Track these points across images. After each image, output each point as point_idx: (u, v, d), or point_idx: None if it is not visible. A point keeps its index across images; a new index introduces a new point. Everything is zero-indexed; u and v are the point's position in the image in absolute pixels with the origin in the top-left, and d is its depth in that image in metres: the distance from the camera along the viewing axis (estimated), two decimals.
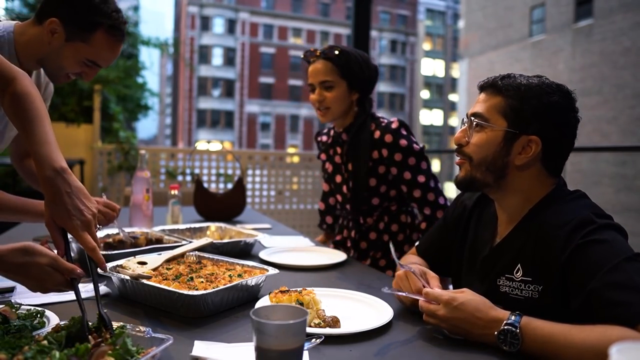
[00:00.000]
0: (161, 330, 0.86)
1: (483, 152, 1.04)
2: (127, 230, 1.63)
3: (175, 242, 1.55)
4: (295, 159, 6.02)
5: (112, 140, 5.40)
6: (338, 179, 1.81)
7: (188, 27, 37.92)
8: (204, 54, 38.74)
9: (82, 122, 5.34)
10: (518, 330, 0.85)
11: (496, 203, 1.13)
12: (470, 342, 0.91)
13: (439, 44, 43.98)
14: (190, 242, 1.48)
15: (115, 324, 0.79)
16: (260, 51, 39.60)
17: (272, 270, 1.18)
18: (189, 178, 5.36)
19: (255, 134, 39.77)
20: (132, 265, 1.17)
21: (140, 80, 7.31)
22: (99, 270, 0.92)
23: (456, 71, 38.48)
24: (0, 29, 1.34)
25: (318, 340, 0.87)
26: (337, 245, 1.92)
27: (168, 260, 1.27)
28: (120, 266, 1.16)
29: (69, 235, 0.89)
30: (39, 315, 0.91)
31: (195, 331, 0.94)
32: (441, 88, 43.56)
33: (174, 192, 2.21)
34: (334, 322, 0.96)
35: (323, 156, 1.89)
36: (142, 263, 1.21)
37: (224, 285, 1.06)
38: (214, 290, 1.02)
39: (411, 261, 1.27)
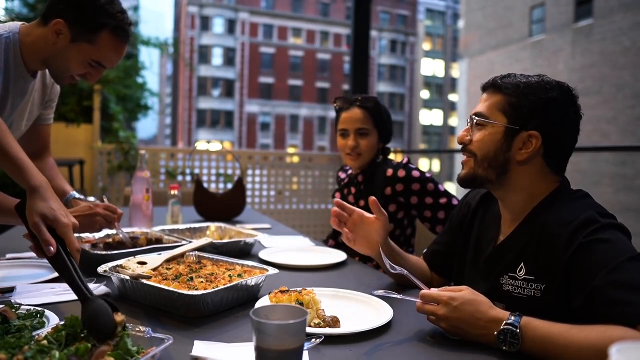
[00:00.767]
0: (161, 330, 0.86)
1: (485, 149, 1.06)
2: (127, 230, 1.62)
3: (175, 242, 1.55)
4: (295, 159, 6.02)
5: (112, 140, 5.40)
6: None
7: (188, 27, 37.92)
8: (204, 54, 38.75)
9: (82, 122, 5.34)
10: (518, 331, 0.84)
11: (500, 202, 1.14)
12: (471, 342, 0.91)
13: (439, 44, 43.99)
14: (190, 242, 1.48)
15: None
16: (260, 51, 39.61)
17: (272, 270, 1.18)
18: (189, 178, 5.36)
19: (255, 134, 39.78)
20: (132, 266, 1.17)
21: (140, 80, 7.30)
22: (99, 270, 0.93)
23: (456, 71, 38.49)
24: (6, 30, 1.35)
25: (318, 340, 0.87)
26: (337, 245, 1.92)
27: (168, 261, 1.27)
28: (120, 266, 1.16)
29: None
30: (38, 315, 0.91)
31: (195, 331, 0.94)
32: (441, 88, 43.57)
33: (174, 192, 2.21)
34: (334, 322, 0.96)
35: (337, 195, 1.99)
36: (142, 263, 1.21)
37: (224, 285, 1.06)
38: (214, 290, 1.02)
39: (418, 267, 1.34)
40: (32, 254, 1.48)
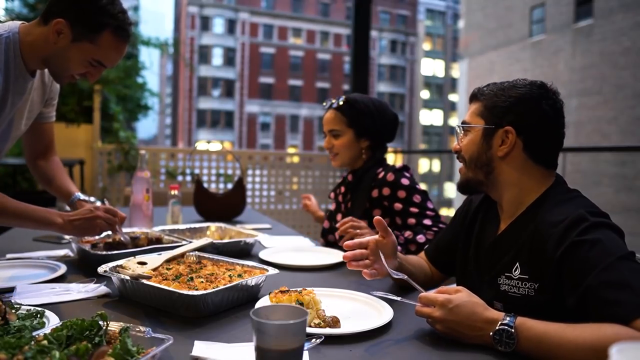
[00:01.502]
0: (161, 330, 0.86)
1: (469, 151, 1.14)
2: (127, 230, 1.62)
3: (175, 242, 1.55)
4: (295, 159, 6.02)
5: (112, 140, 5.40)
6: (338, 217, 1.87)
7: (188, 27, 37.93)
8: (204, 54, 38.75)
9: (82, 122, 5.34)
10: (513, 330, 0.85)
11: (497, 202, 1.17)
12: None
13: (439, 44, 43.99)
14: (190, 242, 1.48)
15: (115, 324, 0.79)
16: (260, 51, 39.62)
17: (272, 270, 1.18)
18: (189, 178, 5.36)
19: (255, 134, 39.79)
20: (131, 266, 1.17)
21: (140, 80, 7.30)
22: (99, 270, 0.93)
23: (456, 71, 38.50)
24: (6, 30, 1.35)
25: (318, 340, 0.87)
26: (328, 244, 1.93)
27: (168, 260, 1.27)
28: (120, 266, 1.16)
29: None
30: (38, 316, 0.91)
31: (195, 331, 0.94)
32: (441, 88, 43.58)
33: (174, 192, 2.21)
34: (334, 322, 0.96)
35: (332, 195, 1.99)
36: (142, 263, 1.21)
37: (224, 285, 1.06)
38: (213, 290, 1.02)
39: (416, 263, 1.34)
40: (32, 254, 1.49)
